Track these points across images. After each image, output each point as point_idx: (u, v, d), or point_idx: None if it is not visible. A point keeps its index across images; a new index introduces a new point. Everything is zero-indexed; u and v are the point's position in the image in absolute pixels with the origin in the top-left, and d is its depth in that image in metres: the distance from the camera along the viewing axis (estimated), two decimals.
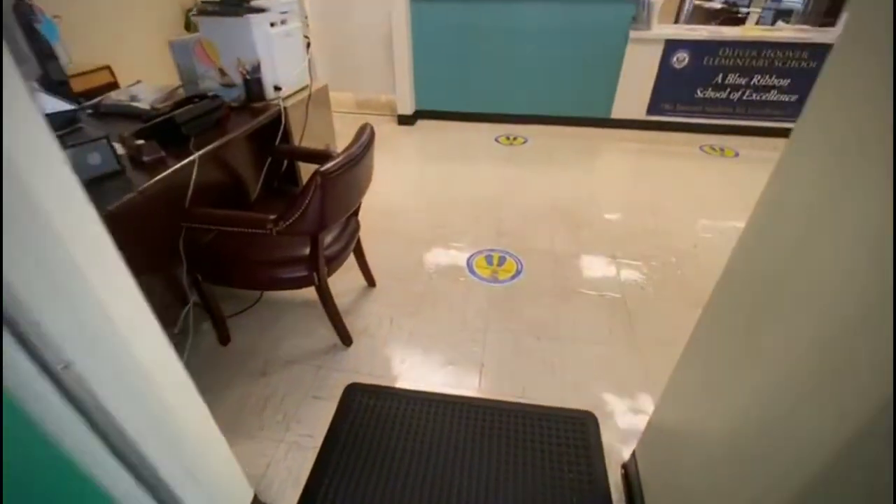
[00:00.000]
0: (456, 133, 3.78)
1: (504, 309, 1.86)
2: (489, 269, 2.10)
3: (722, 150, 3.41)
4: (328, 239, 1.53)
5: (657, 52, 3.42)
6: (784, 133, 3.56)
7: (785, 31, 3.29)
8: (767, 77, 3.37)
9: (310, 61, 2.13)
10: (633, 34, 3.37)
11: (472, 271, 2.09)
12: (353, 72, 4.18)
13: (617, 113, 3.73)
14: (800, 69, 3.30)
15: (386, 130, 3.86)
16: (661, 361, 1.61)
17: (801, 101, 3.39)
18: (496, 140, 3.63)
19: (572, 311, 1.85)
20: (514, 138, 3.66)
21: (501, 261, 2.16)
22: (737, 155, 3.32)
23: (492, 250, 2.24)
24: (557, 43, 3.50)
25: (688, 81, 3.50)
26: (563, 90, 3.70)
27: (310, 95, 2.03)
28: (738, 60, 3.35)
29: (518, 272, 2.08)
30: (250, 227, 1.28)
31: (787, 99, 3.43)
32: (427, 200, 2.74)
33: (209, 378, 1.56)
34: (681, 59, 3.41)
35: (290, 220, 1.24)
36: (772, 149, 3.45)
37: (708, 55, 3.37)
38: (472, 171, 3.11)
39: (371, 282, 1.96)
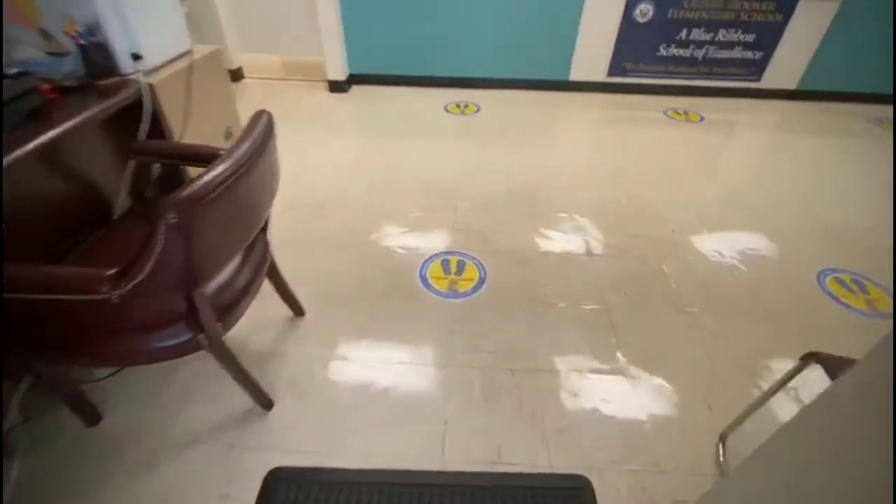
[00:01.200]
0: (398, 101, 3.26)
1: (468, 333, 1.51)
2: (446, 279, 1.73)
3: (686, 113, 3.15)
4: (219, 280, 1.08)
5: (619, 3, 3.03)
6: (748, 94, 3.35)
7: None
8: (733, 32, 3.09)
9: (189, 17, 1.56)
10: None
11: (426, 284, 1.71)
12: (270, 30, 3.49)
13: (576, 75, 3.35)
14: (765, 23, 3.04)
15: (315, 100, 3.26)
16: (657, 388, 1.34)
17: (765, 59, 3.17)
18: (445, 109, 3.16)
19: (548, 331, 1.53)
20: (466, 106, 3.20)
21: (461, 267, 1.79)
22: (702, 119, 3.07)
23: (448, 253, 1.85)
24: None
25: (651, 37, 3.15)
26: (518, 49, 3.25)
27: (191, 65, 1.48)
28: (704, 13, 3.03)
29: (481, 281, 1.72)
30: (71, 293, 0.81)
31: (751, 56, 3.19)
32: (366, 188, 2.28)
33: (74, 475, 1.12)
34: (644, 11, 3.05)
35: (137, 281, 0.79)
36: (734, 111, 3.23)
37: (673, 7, 3.02)
38: (420, 148, 2.65)
39: (298, 310, 1.54)
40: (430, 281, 1.72)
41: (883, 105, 3.32)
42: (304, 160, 2.50)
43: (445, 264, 1.80)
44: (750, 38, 3.11)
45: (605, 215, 2.10)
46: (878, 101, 3.33)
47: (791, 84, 3.30)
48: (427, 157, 2.56)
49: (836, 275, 1.80)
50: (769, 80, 3.28)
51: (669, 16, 3.05)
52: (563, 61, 3.30)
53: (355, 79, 3.47)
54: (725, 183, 2.41)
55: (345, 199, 2.19)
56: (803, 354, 0.96)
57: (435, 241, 1.91)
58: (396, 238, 1.93)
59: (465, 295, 1.66)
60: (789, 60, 3.19)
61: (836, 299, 1.69)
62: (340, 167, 2.46)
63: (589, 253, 1.88)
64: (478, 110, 3.15)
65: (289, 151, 2.49)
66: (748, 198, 2.27)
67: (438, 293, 1.67)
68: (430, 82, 3.45)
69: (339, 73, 3.31)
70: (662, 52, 3.21)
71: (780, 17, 3.02)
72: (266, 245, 1.28)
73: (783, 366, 1.39)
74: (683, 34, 3.12)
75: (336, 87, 3.36)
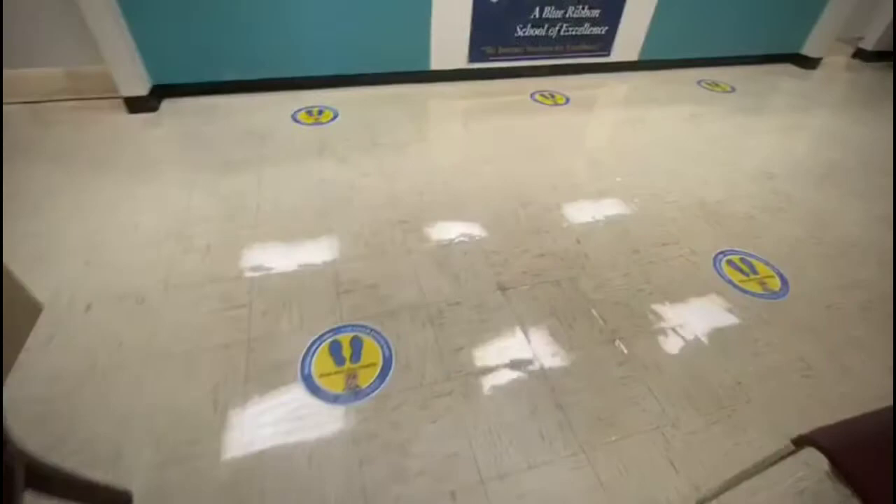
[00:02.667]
0: (231, 115, 2.58)
1: (386, 452, 1.13)
2: (340, 372, 1.31)
3: (553, 96, 3.06)
4: None
5: None
6: (601, 68, 3.39)
7: None
8: (581, 9, 3.04)
9: None
10: None
11: (313, 388, 1.27)
12: (24, 36, 2.48)
13: (437, 63, 3.02)
14: None
15: (108, 127, 2.41)
16: (624, 470, 1.14)
17: (612, 34, 3.20)
18: (295, 119, 2.59)
19: (482, 417, 1.23)
20: (321, 112, 2.66)
21: (356, 348, 1.38)
22: (567, 101, 3.01)
23: (336, 330, 1.42)
24: None
25: (506, 18, 2.95)
26: (370, 41, 2.78)
27: None
28: None
29: (386, 362, 1.34)
30: None
31: (599, 32, 3.20)
32: (201, 255, 1.69)
33: None
34: None
35: None
36: (594, 87, 3.25)
37: None
38: (268, 180, 2.09)
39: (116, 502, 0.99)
40: (319, 381, 1.28)
41: (704, 68, 3.66)
42: (99, 228, 1.78)
43: (335, 349, 1.37)
44: (596, 13, 3.10)
45: (505, 233, 1.85)
46: (700, 65, 3.67)
47: (634, 56, 3.43)
48: (280, 191, 2.02)
49: (727, 257, 1.82)
50: (616, 53, 3.35)
51: None
52: (421, 50, 2.93)
53: (166, 91, 2.66)
54: (606, 173, 2.35)
55: (173, 277, 1.58)
56: (795, 438, 0.79)
57: (316, 318, 1.46)
58: (263, 325, 1.43)
59: (370, 391, 1.27)
60: (630, 34, 3.28)
61: (737, 286, 1.69)
62: (156, 228, 1.79)
63: (502, 288, 1.61)
64: (335, 116, 2.64)
65: (73, 219, 1.76)
66: (631, 186, 2.22)
67: (334, 399, 1.24)
68: (272, 86, 2.81)
69: (136, 86, 2.48)
70: (519, 32, 3.04)
71: None
72: None
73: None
74: (537, 13, 2.98)
75: (137, 105, 2.52)
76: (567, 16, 3.05)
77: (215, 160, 2.20)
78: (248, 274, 1.60)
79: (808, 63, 3.81)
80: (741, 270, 1.76)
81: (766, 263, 1.80)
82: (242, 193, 1.99)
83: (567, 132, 2.65)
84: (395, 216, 1.90)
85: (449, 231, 1.84)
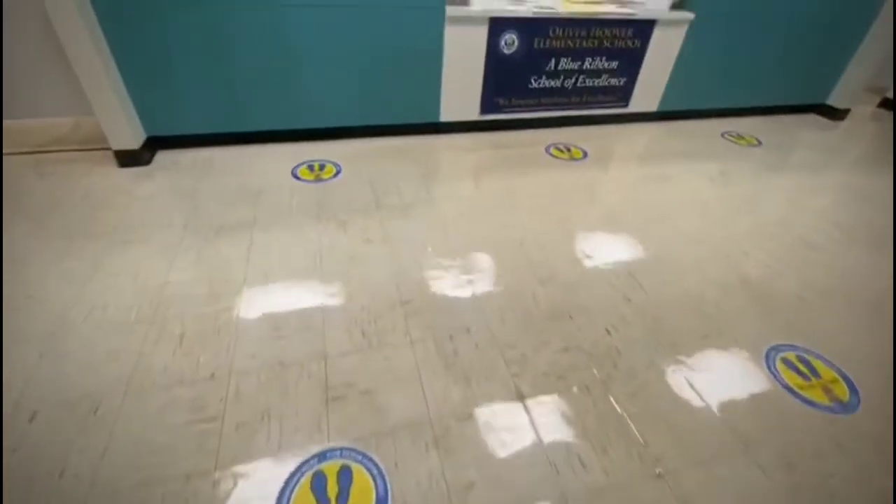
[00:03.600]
0: (228, 170, 2.41)
1: None
2: None
3: (569, 149, 2.89)
4: None
5: (482, 33, 2.61)
6: (618, 119, 3.23)
7: (612, 8, 2.81)
8: (599, 60, 2.90)
9: None
10: (450, 11, 2.47)
11: None
12: (15, 85, 2.37)
13: (447, 115, 2.87)
14: (627, 50, 2.91)
15: (96, 183, 2.25)
16: None
17: (630, 85, 3.05)
18: (295, 175, 2.42)
19: None
20: (322, 167, 2.50)
21: (344, 485, 1.12)
22: (585, 156, 2.82)
23: (321, 456, 1.18)
24: (360, 27, 2.38)
25: (520, 69, 2.81)
26: (377, 92, 2.64)
27: None
28: (569, 41, 2.78)
29: None
30: None
31: (617, 83, 3.05)
32: (173, 347, 1.47)
33: None
34: (509, 41, 2.68)
35: None
36: (612, 139, 3.08)
37: (538, 36, 2.71)
38: (260, 248, 1.89)
39: None
40: None
41: (726, 119, 3.49)
42: (63, 307, 1.57)
43: (319, 485, 1.12)
44: (614, 65, 2.96)
45: (523, 319, 1.62)
46: (723, 116, 3.50)
47: (653, 107, 3.27)
48: (271, 261, 1.81)
49: (781, 353, 1.57)
50: (635, 104, 3.20)
51: (536, 46, 2.74)
52: (430, 102, 2.79)
53: (161, 142, 2.52)
54: (633, 244, 2.13)
55: (137, 376, 1.35)
56: None
57: (298, 434, 1.22)
58: (235, 444, 1.19)
59: None
60: (650, 85, 3.13)
61: (797, 394, 1.43)
62: (127, 309, 1.58)
63: (520, 396, 1.36)
64: (337, 172, 2.47)
65: (37, 296, 1.48)
66: (662, 259, 1.99)
67: None
68: (273, 137, 2.67)
69: (126, 138, 2.33)
70: (534, 83, 2.89)
71: (638, 43, 2.90)
72: None
73: None
74: (552, 65, 2.84)
75: (128, 158, 2.37)
76: (584, 67, 2.91)
77: (204, 223, 2.01)
78: (225, 372, 1.37)
79: (835, 114, 3.64)
80: (799, 372, 1.50)
81: (828, 363, 1.54)
82: (229, 263, 1.79)
83: (586, 192, 2.45)
84: (396, 295, 1.68)
85: (457, 315, 1.61)
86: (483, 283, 1.76)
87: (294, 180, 2.38)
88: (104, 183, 2.25)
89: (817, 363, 1.54)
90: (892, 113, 3.90)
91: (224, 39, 2.26)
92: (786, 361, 1.53)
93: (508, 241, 2.01)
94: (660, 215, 2.28)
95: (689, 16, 2.86)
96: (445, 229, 2.07)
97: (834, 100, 3.63)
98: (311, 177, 2.41)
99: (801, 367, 1.51)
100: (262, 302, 1.62)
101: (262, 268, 1.77)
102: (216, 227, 1.99)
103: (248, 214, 2.08)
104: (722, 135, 3.26)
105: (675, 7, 2.87)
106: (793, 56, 3.30)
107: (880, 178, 2.80)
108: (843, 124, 3.63)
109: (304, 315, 1.58)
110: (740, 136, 3.25)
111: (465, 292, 1.72)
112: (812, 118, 3.69)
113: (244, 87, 2.43)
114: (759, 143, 3.18)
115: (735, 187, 2.60)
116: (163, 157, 2.50)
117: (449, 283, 1.75)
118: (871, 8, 3.19)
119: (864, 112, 3.88)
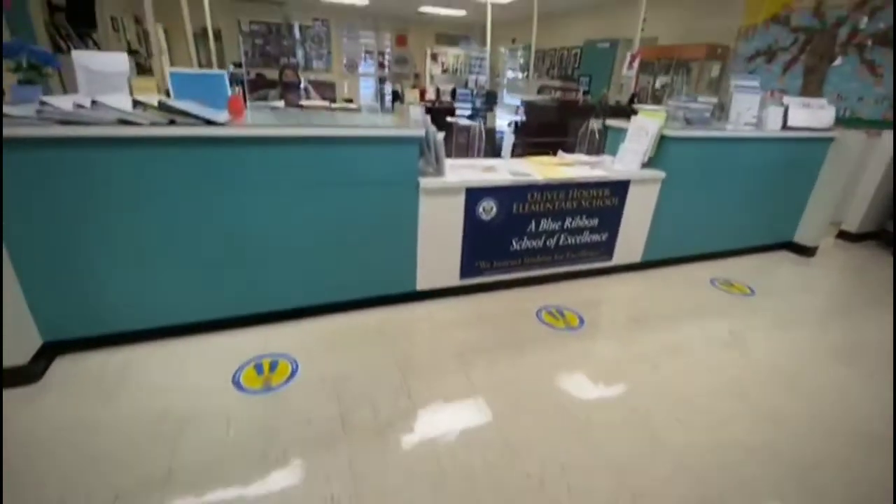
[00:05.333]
0: (144, 384, 1.85)
1: None
2: None
3: (562, 314, 2.57)
4: None
5: (459, 202, 2.42)
6: (603, 272, 3.03)
7: (584, 170, 2.77)
8: (579, 219, 2.78)
9: None
10: (425, 184, 2.29)
11: None
12: None
13: (424, 283, 2.54)
14: (605, 208, 2.82)
15: None
16: None
17: (612, 239, 2.90)
18: (238, 384, 1.89)
19: None
20: (273, 368, 1.99)
21: None
22: (582, 323, 2.50)
23: None
24: (324, 205, 2.12)
25: (500, 233, 2.61)
26: (344, 265, 2.31)
27: None
28: (548, 204, 2.65)
29: None
30: None
31: (599, 238, 2.90)
32: None
33: None
34: (488, 208, 2.50)
35: None
36: (603, 296, 2.82)
37: (517, 201, 2.56)
38: None
39: None
40: None
41: (705, 262, 3.40)
42: None
43: None
44: (594, 222, 2.83)
45: None
46: (702, 259, 3.41)
47: (636, 258, 3.12)
48: None
49: None
50: (619, 257, 3.04)
51: (515, 210, 2.57)
52: (406, 271, 2.47)
53: (60, 347, 1.97)
54: (665, 461, 1.68)
55: None
56: None
57: None
58: None
59: None
60: (631, 239, 3.02)
61: None
62: None
63: None
64: (293, 371, 1.97)
65: None
66: (713, 485, 1.53)
67: None
68: (214, 326, 2.18)
69: (13, 351, 1.77)
70: (515, 245, 2.68)
71: (616, 201, 2.83)
72: None
73: None
74: (533, 226, 2.67)
75: (13, 377, 1.78)
76: (565, 226, 2.76)
77: (91, 489, 1.39)
78: None
79: (804, 250, 3.67)
80: None
81: None
82: None
83: (598, 379, 2.05)
84: None
85: None
86: None
87: (236, 392, 1.84)
88: None
89: None
90: (851, 243, 4.02)
91: (154, 221, 1.90)
92: None
93: (524, 480, 1.50)
94: (698, 408, 1.88)
95: (661, 174, 2.86)
96: (439, 465, 1.54)
97: (800, 237, 3.68)
98: (258, 384, 1.89)
99: None
100: None
101: None
102: (111, 498, 1.37)
103: (161, 467, 1.49)
104: (711, 282, 3.11)
105: (645, 167, 2.88)
106: (758, 201, 3.37)
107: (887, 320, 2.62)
108: (816, 260, 3.63)
109: None
110: (730, 284, 3.10)
111: None
112: (785, 255, 3.69)
113: (177, 271, 2.02)
114: (752, 291, 3.02)
115: (753, 352, 2.30)
116: (61, 366, 1.93)
117: None
118: (819, 156, 3.39)
119: (828, 244, 3.96)
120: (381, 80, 11.55)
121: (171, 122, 1.78)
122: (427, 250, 2.46)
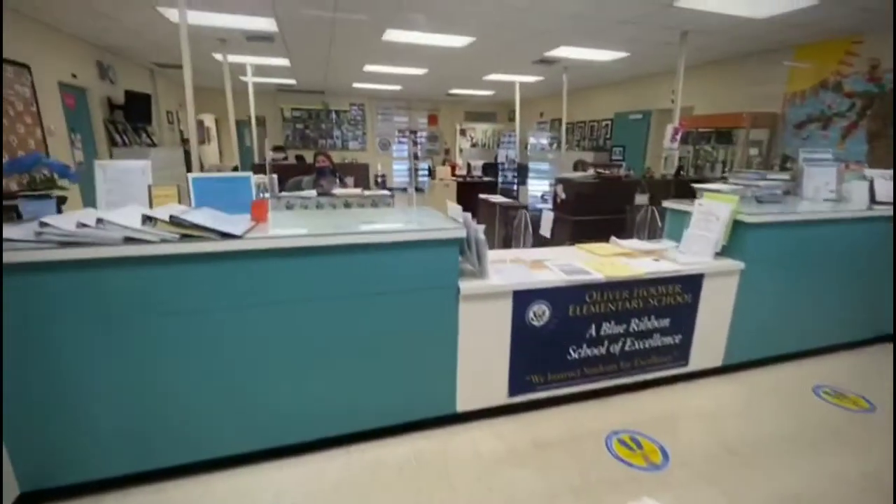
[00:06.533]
0: None
1: None
2: None
3: (638, 444, 2.06)
4: None
5: (506, 308, 2.07)
6: (677, 379, 2.52)
7: (648, 263, 2.40)
8: (647, 320, 2.35)
9: None
10: (465, 288, 1.96)
11: None
12: None
13: (466, 403, 2.13)
14: (677, 306, 2.39)
15: None
16: None
17: (687, 341, 2.42)
18: None
19: None
20: None
21: None
22: (666, 460, 1.98)
23: None
24: (346, 318, 1.82)
25: (555, 341, 2.20)
26: (369, 387, 1.94)
27: None
28: (610, 305, 2.25)
29: None
30: None
31: (671, 341, 2.44)
32: None
33: None
34: (539, 313, 2.13)
35: None
36: (682, 412, 2.30)
37: (573, 304, 2.18)
38: None
39: None
40: None
41: (796, 362, 2.82)
42: None
43: None
44: (665, 322, 2.39)
45: None
46: (791, 359, 2.84)
47: (717, 361, 2.61)
48: None
49: None
50: (695, 362, 2.54)
51: (571, 313, 2.18)
52: (444, 391, 2.08)
53: (38, 497, 1.64)
54: None
55: None
56: None
57: None
58: None
59: None
60: (710, 338, 2.53)
61: None
62: None
63: None
64: None
65: None
66: None
67: None
68: (216, 465, 1.82)
69: None
70: (573, 354, 2.25)
71: (688, 297, 2.40)
72: None
73: None
74: (593, 331, 2.25)
75: None
76: (631, 329, 2.33)
77: None
78: None
79: None
80: None
81: None
82: None
83: None
84: None
85: None
86: None
87: None
88: None
89: None
90: None
91: (164, 348, 1.63)
92: None
93: None
94: None
95: (739, 265, 2.43)
96: None
97: None
98: None
99: None
100: None
101: None
102: None
103: None
104: (815, 391, 2.52)
105: (719, 255, 2.47)
106: (852, 289, 2.85)
107: None
108: None
109: None
110: (840, 395, 2.50)
111: None
112: (887, 350, 3.06)
113: (179, 405, 1.70)
114: (870, 404, 2.42)
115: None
116: None
117: None
118: None
119: None
120: (415, 157, 11.91)
121: (184, 238, 1.56)
122: (469, 364, 2.07)
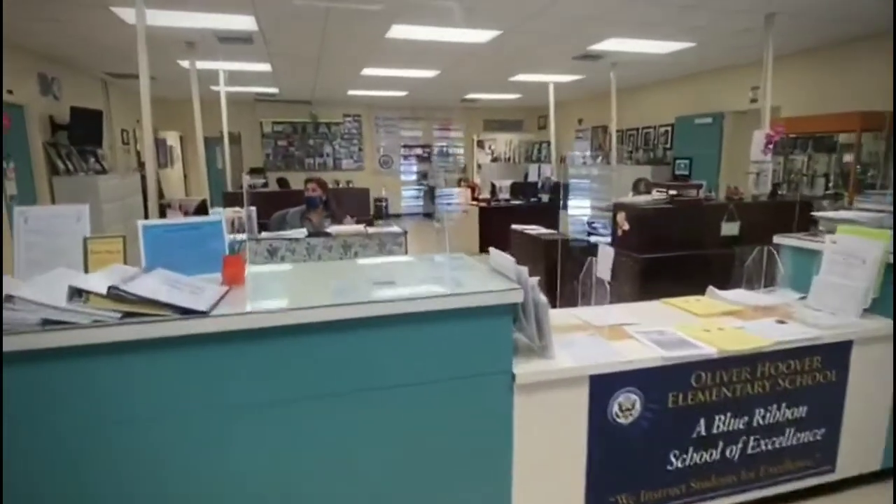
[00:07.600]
0: None
1: None
2: None
3: None
4: None
5: (580, 400, 1.79)
6: (822, 491, 2.19)
7: (775, 329, 2.12)
8: (775, 409, 2.05)
9: None
10: (522, 373, 1.70)
11: None
12: None
13: None
14: (817, 387, 2.09)
15: None
16: None
17: (833, 438, 2.12)
18: None
19: None
20: None
21: None
22: None
23: None
24: (347, 418, 1.57)
25: (649, 443, 1.91)
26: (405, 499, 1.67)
27: None
28: (725, 389, 1.96)
29: None
30: None
31: (811, 438, 2.13)
32: None
33: None
34: (627, 406, 1.85)
35: None
36: None
37: (674, 390, 1.90)
38: None
39: None
40: None
41: None
42: None
43: None
44: (802, 411, 2.09)
45: None
46: None
47: (875, 464, 2.28)
48: None
49: None
50: (845, 466, 2.21)
51: (671, 404, 1.90)
52: None
53: None
54: None
55: None
56: None
57: None
58: None
59: None
60: (864, 431, 2.22)
61: None
62: None
63: None
64: None
65: None
66: None
67: None
68: None
69: None
70: (675, 463, 1.95)
71: (832, 374, 2.11)
72: None
73: None
74: (702, 427, 1.96)
75: None
76: (755, 423, 2.03)
77: None
78: None
79: None
80: None
81: None
82: None
83: None
84: None
85: None
86: None
87: None
88: None
89: None
90: None
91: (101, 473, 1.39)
92: None
93: None
94: None
95: None
96: None
97: None
98: None
99: None
100: None
101: None
102: None
103: None
104: None
105: (867, 312, 2.19)
106: None
107: None
108: None
109: None
110: None
111: None
112: None
113: None
114: None
115: None
116: None
117: None
118: None
119: None
120: (424, 176, 11.89)
121: (127, 317, 1.35)
122: (528, 481, 1.79)
